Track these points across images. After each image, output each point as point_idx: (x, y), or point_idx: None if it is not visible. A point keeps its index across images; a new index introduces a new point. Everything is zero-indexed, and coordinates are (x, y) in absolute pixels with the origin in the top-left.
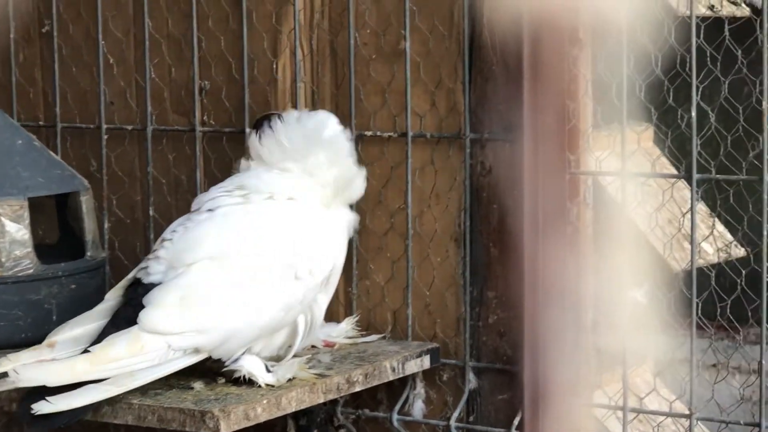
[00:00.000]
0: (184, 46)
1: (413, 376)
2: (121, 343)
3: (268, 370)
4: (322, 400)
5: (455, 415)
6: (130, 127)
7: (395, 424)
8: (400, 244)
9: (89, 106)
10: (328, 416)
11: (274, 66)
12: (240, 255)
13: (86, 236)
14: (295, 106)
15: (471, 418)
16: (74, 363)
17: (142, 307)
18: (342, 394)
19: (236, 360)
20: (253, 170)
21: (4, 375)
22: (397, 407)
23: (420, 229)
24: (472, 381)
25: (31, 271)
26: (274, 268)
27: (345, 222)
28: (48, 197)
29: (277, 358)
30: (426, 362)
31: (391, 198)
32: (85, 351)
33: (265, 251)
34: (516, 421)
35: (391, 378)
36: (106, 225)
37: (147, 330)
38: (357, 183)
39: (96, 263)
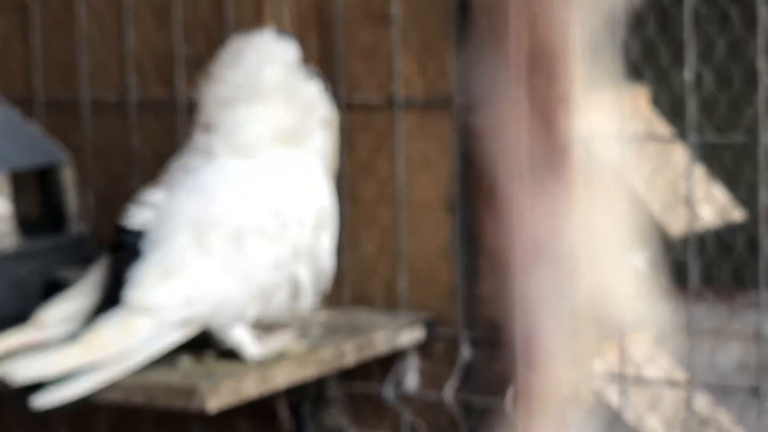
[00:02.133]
0: (166, 13)
1: (406, 348)
2: (111, 325)
3: (258, 343)
4: (313, 374)
5: (449, 386)
6: (112, 99)
7: (388, 396)
8: (391, 213)
9: (70, 78)
10: (320, 390)
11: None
12: (218, 219)
13: (68, 211)
14: None
15: (466, 389)
16: (66, 352)
17: (123, 283)
18: (333, 368)
19: (226, 330)
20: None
21: None
22: (390, 380)
23: (411, 197)
24: (466, 351)
25: (13, 246)
26: (253, 226)
27: (316, 165)
28: (29, 171)
29: (282, 323)
30: (419, 333)
31: (380, 166)
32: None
33: (243, 211)
34: (511, 392)
35: (384, 350)
36: (89, 199)
37: (134, 308)
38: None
39: (79, 238)
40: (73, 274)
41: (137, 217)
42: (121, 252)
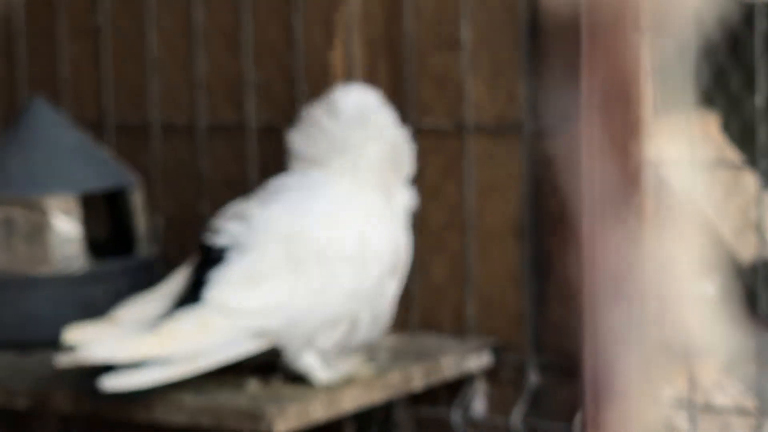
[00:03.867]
0: (236, 38)
1: (474, 373)
2: (187, 320)
3: (326, 368)
4: (380, 399)
5: (517, 412)
6: (182, 123)
7: (456, 421)
8: (459, 238)
9: (140, 102)
10: (387, 415)
11: (328, 58)
12: (309, 238)
13: (137, 233)
14: None
15: (533, 415)
16: (141, 340)
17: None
18: (400, 392)
19: (295, 354)
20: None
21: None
22: (457, 404)
23: (479, 223)
24: (533, 377)
25: (83, 268)
26: (341, 252)
27: (404, 208)
28: (99, 193)
29: (339, 352)
30: (486, 358)
31: (449, 192)
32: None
33: (334, 234)
34: (578, 418)
35: (451, 375)
36: (159, 223)
37: (213, 307)
38: (405, 152)
39: (148, 260)
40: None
41: (226, 230)
42: (206, 260)
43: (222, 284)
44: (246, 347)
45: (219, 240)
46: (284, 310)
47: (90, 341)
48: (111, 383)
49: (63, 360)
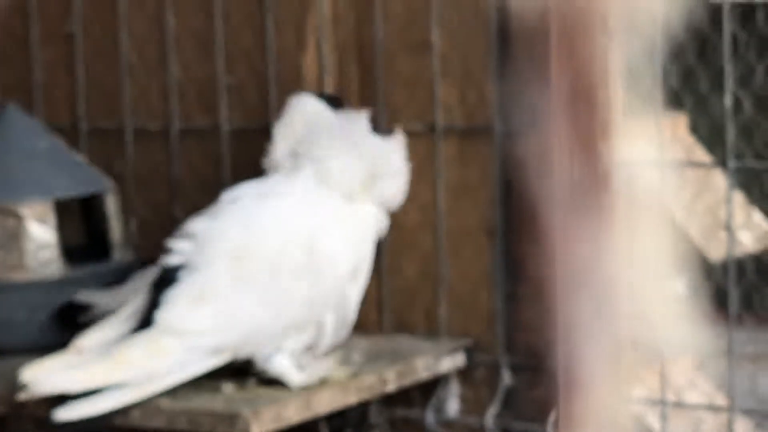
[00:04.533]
0: (208, 42)
1: (447, 373)
2: (139, 344)
3: (300, 370)
4: (355, 400)
5: (490, 412)
6: (154, 127)
7: (429, 422)
8: (431, 239)
9: (113, 107)
10: (362, 416)
11: (300, 61)
12: (257, 251)
13: (113, 238)
14: None
15: (506, 415)
16: (93, 367)
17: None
18: (375, 394)
19: (266, 359)
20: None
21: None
22: (431, 405)
23: (451, 224)
24: (506, 378)
25: (58, 273)
26: (292, 262)
27: (369, 216)
28: (73, 199)
29: (309, 355)
30: (460, 360)
31: (420, 193)
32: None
33: (284, 246)
34: (552, 418)
35: (425, 376)
36: (132, 226)
37: (164, 330)
38: (388, 180)
39: (123, 265)
40: (89, 296)
41: (178, 248)
42: (161, 280)
43: (171, 305)
44: (203, 365)
45: (171, 260)
46: (237, 325)
47: (45, 373)
48: (65, 414)
49: (21, 395)
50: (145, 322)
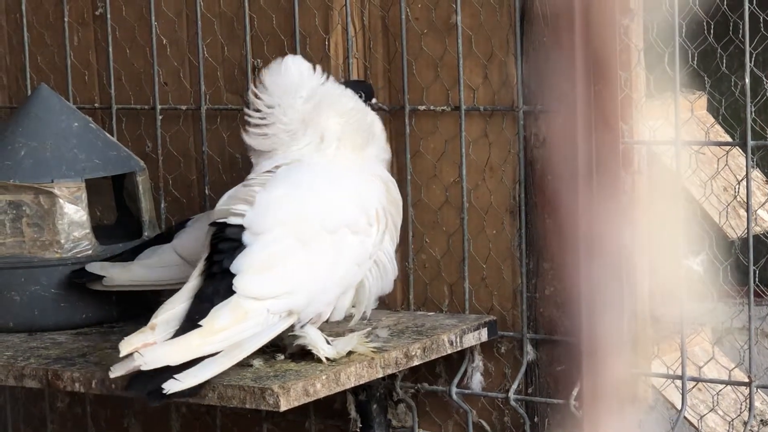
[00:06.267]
0: (236, 24)
1: (471, 349)
2: (224, 313)
3: (328, 344)
4: (380, 375)
5: (514, 387)
6: (184, 107)
7: (454, 397)
8: (456, 217)
9: (143, 87)
10: (387, 391)
11: (326, 42)
12: (311, 216)
13: (143, 216)
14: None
15: (530, 390)
16: (189, 340)
17: (230, 274)
18: (400, 369)
19: (299, 329)
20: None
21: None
22: (456, 380)
23: (475, 202)
24: (530, 353)
25: (90, 252)
26: (338, 224)
27: (377, 156)
28: (105, 178)
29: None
30: (483, 335)
31: (445, 171)
32: (196, 326)
33: (337, 206)
34: (575, 392)
35: (449, 351)
36: (162, 205)
37: (245, 296)
38: (375, 132)
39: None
40: (101, 267)
41: (239, 209)
42: (223, 244)
43: (246, 271)
44: (276, 329)
45: (232, 219)
46: (304, 287)
47: (147, 349)
48: (174, 386)
49: (119, 369)
50: (218, 287)
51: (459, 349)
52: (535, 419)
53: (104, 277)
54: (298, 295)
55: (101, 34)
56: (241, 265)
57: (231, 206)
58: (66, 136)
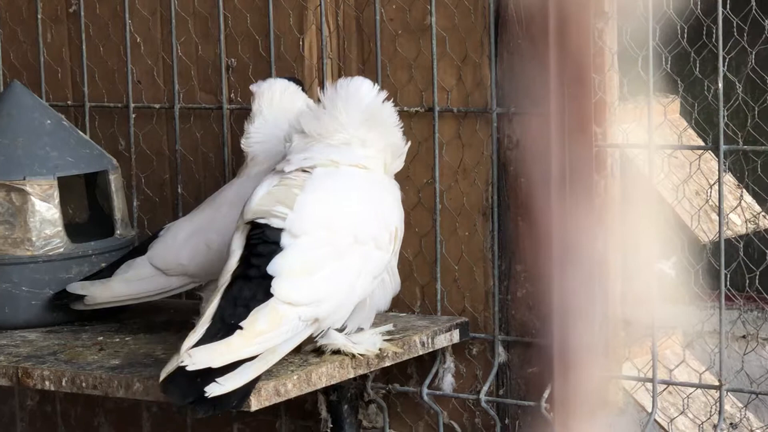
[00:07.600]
0: (211, 23)
1: (443, 350)
2: (263, 316)
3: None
4: (352, 376)
5: (485, 388)
6: (157, 106)
7: (425, 398)
8: (428, 218)
9: (117, 85)
10: (359, 391)
11: (301, 43)
12: (343, 226)
13: (115, 215)
14: (321, 83)
15: (501, 392)
16: (230, 342)
17: (268, 277)
18: (372, 369)
19: (325, 334)
20: (309, 145)
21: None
22: (427, 381)
23: (448, 203)
24: (501, 354)
25: (62, 249)
26: (368, 237)
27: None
28: (77, 176)
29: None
30: (455, 336)
31: (418, 173)
32: (235, 328)
33: (362, 222)
34: (546, 394)
35: (421, 353)
36: (135, 203)
37: (282, 301)
38: (403, 153)
39: (126, 241)
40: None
41: (279, 211)
42: (262, 247)
43: (286, 277)
44: (303, 334)
45: (273, 221)
46: (331, 298)
47: (194, 349)
48: (217, 389)
49: (167, 369)
50: (256, 289)
51: (430, 350)
52: (506, 421)
53: (86, 296)
54: (326, 304)
55: (75, 32)
56: (280, 268)
57: (271, 207)
58: (38, 134)
